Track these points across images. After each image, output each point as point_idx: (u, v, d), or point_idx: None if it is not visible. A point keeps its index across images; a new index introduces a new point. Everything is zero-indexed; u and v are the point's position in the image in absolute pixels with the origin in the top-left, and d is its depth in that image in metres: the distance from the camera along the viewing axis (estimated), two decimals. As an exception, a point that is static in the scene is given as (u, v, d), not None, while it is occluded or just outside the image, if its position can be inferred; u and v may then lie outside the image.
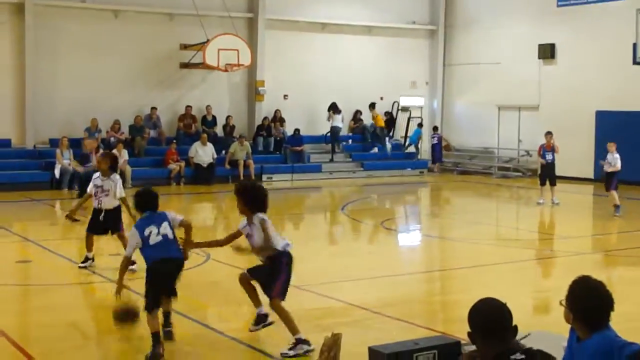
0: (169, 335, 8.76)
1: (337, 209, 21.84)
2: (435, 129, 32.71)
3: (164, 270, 8.48)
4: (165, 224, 8.61)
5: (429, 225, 19.87)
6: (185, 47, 28.16)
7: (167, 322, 8.88)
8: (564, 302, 4.68)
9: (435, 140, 32.31)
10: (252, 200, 8.64)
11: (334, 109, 30.16)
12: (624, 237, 16.91)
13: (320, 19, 31.28)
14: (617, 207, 19.44)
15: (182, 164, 26.26)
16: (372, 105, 31.47)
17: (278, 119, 30.03)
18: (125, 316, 8.39)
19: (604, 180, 20.22)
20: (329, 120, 30.29)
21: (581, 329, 4.65)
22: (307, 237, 17.46)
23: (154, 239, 8.48)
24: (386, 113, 32.80)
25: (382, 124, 31.65)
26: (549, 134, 22.15)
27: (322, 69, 31.29)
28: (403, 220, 21.41)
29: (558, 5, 29.57)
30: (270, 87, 30.05)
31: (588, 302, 4.61)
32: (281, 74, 30.37)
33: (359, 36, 32.39)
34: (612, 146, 20.04)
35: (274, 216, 20.80)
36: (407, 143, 32.90)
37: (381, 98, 32.76)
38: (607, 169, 19.89)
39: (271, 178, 28.00)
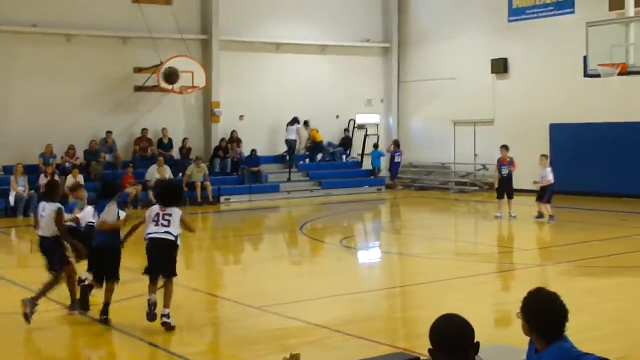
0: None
1: (296, 228, 21.78)
2: (397, 145, 32.48)
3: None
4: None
5: (389, 242, 19.91)
6: (139, 70, 28.02)
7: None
8: (520, 315, 4.70)
9: (398, 158, 32.12)
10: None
11: (292, 122, 30.29)
12: (581, 248, 17.05)
13: (275, 39, 31.33)
14: (551, 217, 20.56)
15: (139, 187, 26.04)
16: (306, 123, 31.41)
17: (235, 140, 29.96)
18: None
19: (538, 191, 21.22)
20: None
21: (538, 340, 4.68)
22: (266, 258, 17.41)
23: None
24: (345, 131, 32.96)
25: (320, 138, 31.71)
26: (504, 147, 22.37)
27: (277, 89, 31.32)
28: (362, 238, 21.43)
29: (509, 21, 29.92)
30: (226, 108, 30.00)
31: (543, 313, 4.64)
32: (237, 95, 30.34)
33: (313, 55, 32.49)
34: (544, 161, 21.06)
35: (234, 237, 20.80)
36: (374, 168, 32.58)
37: (337, 116, 32.89)
38: (539, 185, 20.90)
39: (229, 199, 27.89)
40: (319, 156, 31.84)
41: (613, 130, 26.21)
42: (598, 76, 20.47)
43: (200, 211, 25.67)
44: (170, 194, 10.61)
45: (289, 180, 30.22)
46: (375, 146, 32.93)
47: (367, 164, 32.80)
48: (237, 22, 30.55)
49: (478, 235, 21.36)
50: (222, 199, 27.75)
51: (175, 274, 10.32)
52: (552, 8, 28.51)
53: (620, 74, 20.06)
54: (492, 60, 30.22)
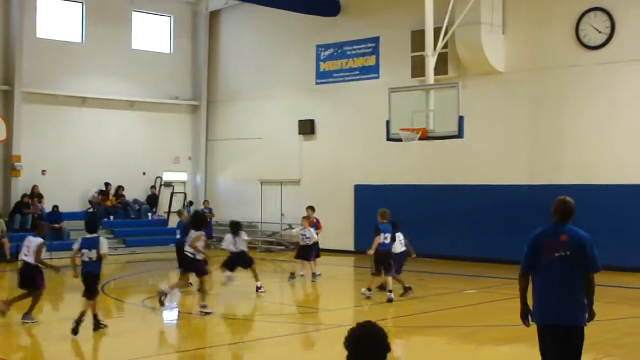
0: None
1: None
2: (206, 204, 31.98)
3: None
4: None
5: (193, 301, 19.53)
6: None
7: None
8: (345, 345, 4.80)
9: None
10: None
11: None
12: (382, 308, 17.33)
13: (80, 93, 30.64)
14: (314, 274, 21.55)
15: None
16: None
17: (36, 195, 28.87)
18: None
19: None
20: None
21: None
22: (61, 318, 16.66)
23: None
24: (151, 188, 32.48)
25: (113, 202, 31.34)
26: (310, 208, 22.67)
27: (82, 143, 30.58)
28: (166, 298, 20.90)
29: (317, 83, 30.59)
30: (27, 162, 28.96)
31: (364, 344, 4.74)
32: (39, 148, 29.40)
33: (121, 111, 31.99)
34: (305, 222, 21.92)
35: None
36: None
37: (144, 173, 32.41)
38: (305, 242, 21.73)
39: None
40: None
41: (413, 192, 27.13)
42: (400, 140, 21.13)
43: (-5, 269, 24.42)
44: None
45: (92, 237, 29.28)
46: (190, 203, 32.46)
47: (173, 222, 32.29)
48: (41, 74, 29.71)
49: (283, 296, 21.37)
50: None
51: None
52: (357, 72, 29.39)
53: (420, 138, 20.79)
54: (299, 121, 30.73)
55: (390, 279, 17.91)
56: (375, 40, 28.87)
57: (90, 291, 14.21)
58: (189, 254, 16.71)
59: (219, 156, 34.50)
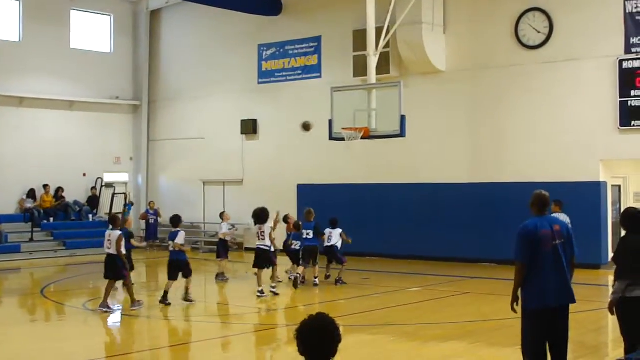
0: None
1: (37, 291, 20.70)
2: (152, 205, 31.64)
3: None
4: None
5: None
6: None
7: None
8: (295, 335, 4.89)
9: (152, 219, 31.10)
10: None
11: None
12: (326, 307, 17.34)
13: (18, 93, 30.14)
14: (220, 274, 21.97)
15: None
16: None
17: (-28, 198, 28.35)
18: None
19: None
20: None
21: None
22: (2, 323, 16.36)
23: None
24: (92, 189, 32.13)
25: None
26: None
27: (20, 144, 30.13)
28: (108, 300, 20.60)
29: (259, 82, 30.48)
30: (-37, 165, 28.39)
31: (315, 335, 4.83)
32: (-25, 150, 28.83)
33: (60, 111, 31.57)
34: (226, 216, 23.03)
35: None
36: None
37: (84, 174, 32.03)
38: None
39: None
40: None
41: (356, 191, 27.20)
42: (342, 139, 21.13)
43: None
44: None
45: (31, 240, 28.86)
46: (132, 203, 32.22)
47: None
48: (-24, 74, 29.16)
49: (229, 296, 21.18)
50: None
51: None
52: (299, 72, 29.36)
53: (362, 137, 20.82)
54: (242, 121, 30.63)
55: (317, 268, 20.49)
56: (318, 39, 28.87)
57: (184, 273, 17.56)
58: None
59: (161, 156, 34.21)
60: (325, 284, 20.67)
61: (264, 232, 18.84)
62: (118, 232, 16.60)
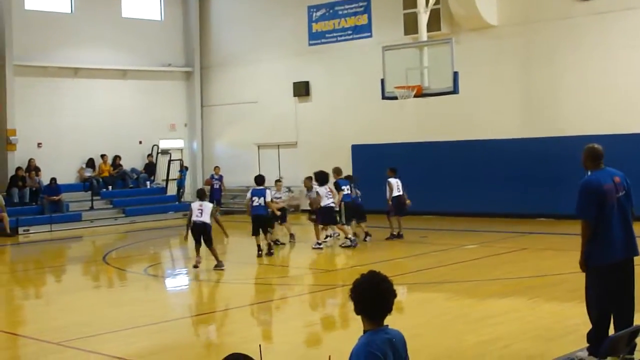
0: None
1: (99, 258, 21.12)
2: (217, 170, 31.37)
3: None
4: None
5: (194, 269, 19.60)
6: None
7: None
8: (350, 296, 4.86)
9: (216, 184, 30.83)
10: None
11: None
12: (385, 266, 17.42)
13: (72, 64, 30.50)
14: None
15: None
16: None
17: (33, 169, 28.85)
18: None
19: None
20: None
21: (364, 321, 4.82)
22: (67, 290, 16.78)
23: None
24: (148, 156, 32.51)
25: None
26: (308, 178, 21.77)
27: (77, 114, 30.52)
28: (168, 265, 21.00)
29: (310, 44, 30.43)
30: (22, 136, 28.90)
31: (369, 294, 4.78)
32: (34, 121, 29.32)
33: (113, 80, 31.89)
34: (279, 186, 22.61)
35: (34, 270, 19.92)
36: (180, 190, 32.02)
37: (140, 142, 32.38)
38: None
39: (28, 230, 26.80)
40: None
41: (410, 150, 27.12)
42: (395, 98, 21.09)
43: (-4, 244, 24.49)
44: None
45: (91, 208, 29.38)
46: (186, 168, 32.58)
47: (172, 190, 32.38)
48: (32, 47, 29.56)
49: (291, 259, 21.34)
50: (21, 230, 26.61)
51: None
52: (350, 32, 29.25)
53: (415, 95, 20.77)
54: (294, 83, 30.65)
55: (364, 224, 21.26)
56: (367, -2, 28.71)
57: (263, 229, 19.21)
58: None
59: (215, 122, 34.43)
60: (376, 242, 20.77)
61: (330, 190, 20.07)
62: (210, 204, 17.92)
